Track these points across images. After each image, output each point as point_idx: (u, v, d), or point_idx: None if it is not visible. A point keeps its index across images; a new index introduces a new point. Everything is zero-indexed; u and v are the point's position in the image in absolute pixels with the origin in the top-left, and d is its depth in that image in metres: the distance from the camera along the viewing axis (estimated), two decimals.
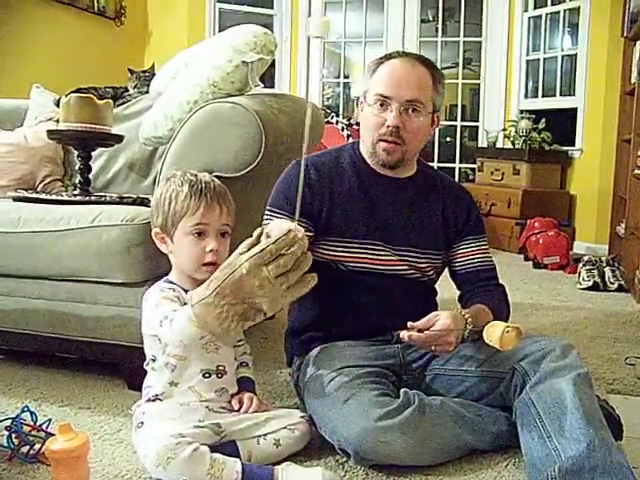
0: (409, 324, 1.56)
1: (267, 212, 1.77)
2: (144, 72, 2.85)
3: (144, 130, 2.38)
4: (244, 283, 1.29)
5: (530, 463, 1.40)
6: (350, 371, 1.59)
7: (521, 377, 1.54)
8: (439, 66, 1.85)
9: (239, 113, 1.92)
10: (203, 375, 1.52)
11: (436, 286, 1.93)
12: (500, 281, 1.89)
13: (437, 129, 1.91)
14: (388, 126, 1.70)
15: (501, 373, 1.60)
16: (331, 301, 1.77)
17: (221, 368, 1.54)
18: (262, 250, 1.27)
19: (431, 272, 1.84)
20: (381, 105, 1.71)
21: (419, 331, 1.56)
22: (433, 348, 1.58)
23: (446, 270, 1.92)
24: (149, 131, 2.33)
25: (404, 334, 1.56)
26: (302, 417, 1.58)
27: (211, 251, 1.49)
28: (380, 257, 1.76)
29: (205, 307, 1.33)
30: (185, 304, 1.45)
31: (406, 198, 1.82)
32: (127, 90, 2.85)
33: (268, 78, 5.76)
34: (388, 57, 1.76)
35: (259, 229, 1.33)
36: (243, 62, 2.12)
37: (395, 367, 1.72)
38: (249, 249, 1.30)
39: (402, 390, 1.56)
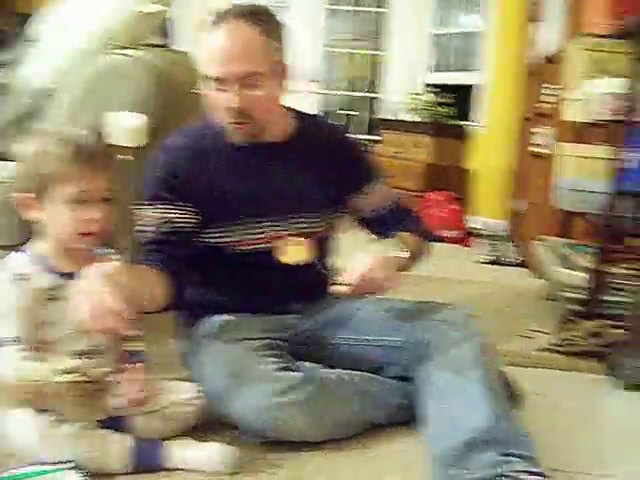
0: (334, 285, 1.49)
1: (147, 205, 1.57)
2: (19, 14, 2.64)
3: (23, 80, 2.18)
4: None
5: (433, 435, 1.38)
6: (246, 344, 1.52)
7: (423, 347, 1.51)
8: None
9: (136, 66, 1.82)
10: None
11: None
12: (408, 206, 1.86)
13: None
14: (229, 108, 1.50)
15: (403, 342, 1.57)
16: (223, 283, 1.66)
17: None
18: None
19: (326, 230, 1.73)
20: (218, 85, 1.50)
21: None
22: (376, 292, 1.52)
23: None
24: (29, 82, 2.15)
25: (336, 292, 1.49)
26: (197, 391, 1.49)
27: (90, 220, 1.32)
28: (267, 234, 1.63)
29: None
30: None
31: (282, 163, 1.65)
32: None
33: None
34: (215, 23, 1.50)
35: None
36: (140, 12, 2.02)
37: (295, 338, 1.66)
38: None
39: (302, 364, 1.52)
